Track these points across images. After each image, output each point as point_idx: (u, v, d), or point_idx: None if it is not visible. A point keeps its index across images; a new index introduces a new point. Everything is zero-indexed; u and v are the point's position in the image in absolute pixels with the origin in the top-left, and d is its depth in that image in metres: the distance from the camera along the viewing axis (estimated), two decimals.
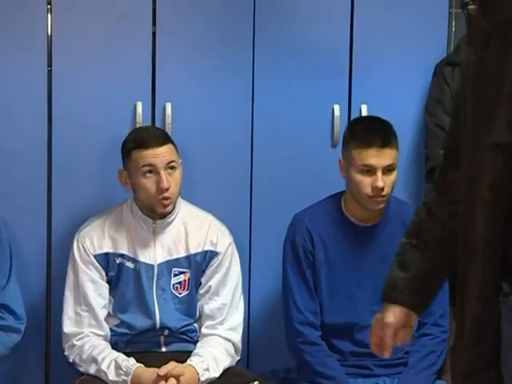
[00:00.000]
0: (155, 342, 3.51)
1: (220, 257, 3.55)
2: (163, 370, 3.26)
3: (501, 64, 2.20)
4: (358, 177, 3.44)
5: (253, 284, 3.90)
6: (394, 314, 2.53)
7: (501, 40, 2.20)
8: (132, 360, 3.31)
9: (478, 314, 2.27)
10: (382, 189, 3.41)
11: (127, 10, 3.77)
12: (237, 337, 3.54)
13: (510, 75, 2.20)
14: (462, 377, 2.33)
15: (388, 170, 3.41)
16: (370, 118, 3.75)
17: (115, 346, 3.41)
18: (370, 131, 3.50)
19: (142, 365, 3.31)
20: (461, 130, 2.34)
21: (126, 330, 3.47)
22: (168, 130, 3.69)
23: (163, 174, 3.40)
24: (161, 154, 3.43)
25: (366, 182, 3.42)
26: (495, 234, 2.25)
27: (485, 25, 2.22)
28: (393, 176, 3.43)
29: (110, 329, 3.44)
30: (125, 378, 3.28)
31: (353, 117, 3.87)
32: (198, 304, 3.55)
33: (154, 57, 3.78)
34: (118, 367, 3.30)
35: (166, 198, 3.45)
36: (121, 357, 3.33)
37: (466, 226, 2.29)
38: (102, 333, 3.40)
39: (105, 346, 3.37)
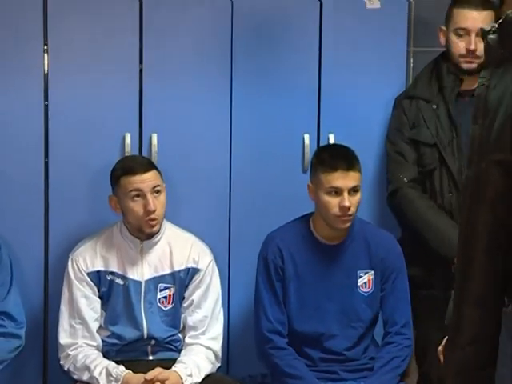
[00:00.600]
0: (143, 351, 3.50)
1: (201, 273, 3.54)
2: (150, 375, 3.28)
3: (503, 88, 2.27)
4: (327, 198, 3.44)
5: (232, 297, 3.87)
6: None
7: (505, 68, 2.27)
8: (121, 367, 3.31)
9: (475, 318, 2.30)
10: (349, 208, 3.41)
11: (117, 49, 3.77)
12: (217, 346, 3.54)
13: None
14: (454, 373, 2.35)
15: (353, 191, 3.41)
16: (334, 146, 3.76)
17: (106, 355, 3.40)
18: (335, 157, 3.49)
19: (130, 371, 3.31)
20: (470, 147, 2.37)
21: (116, 341, 3.45)
22: (154, 158, 3.70)
23: (149, 197, 3.40)
24: (147, 180, 3.43)
25: (333, 202, 3.41)
26: (494, 249, 2.28)
27: (498, 54, 2.28)
28: (357, 196, 3.44)
29: (102, 340, 3.43)
30: (115, 383, 3.32)
31: (321, 144, 3.83)
32: (182, 316, 3.55)
33: (141, 92, 3.78)
34: (108, 374, 3.30)
35: (153, 219, 3.43)
36: (111, 365, 3.32)
37: (465, 240, 2.31)
38: (95, 343, 3.40)
39: (97, 355, 3.36)
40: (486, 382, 2.34)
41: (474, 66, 3.49)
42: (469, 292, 2.29)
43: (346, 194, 3.40)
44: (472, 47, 3.61)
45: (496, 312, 2.31)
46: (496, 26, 2.25)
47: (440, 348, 2.55)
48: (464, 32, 3.63)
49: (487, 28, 2.31)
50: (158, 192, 3.43)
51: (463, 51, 3.60)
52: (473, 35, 3.60)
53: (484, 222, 2.27)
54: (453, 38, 3.68)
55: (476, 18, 3.68)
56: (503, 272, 2.29)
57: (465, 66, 3.52)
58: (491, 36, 2.27)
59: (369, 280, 3.48)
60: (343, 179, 3.42)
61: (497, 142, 2.22)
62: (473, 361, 2.31)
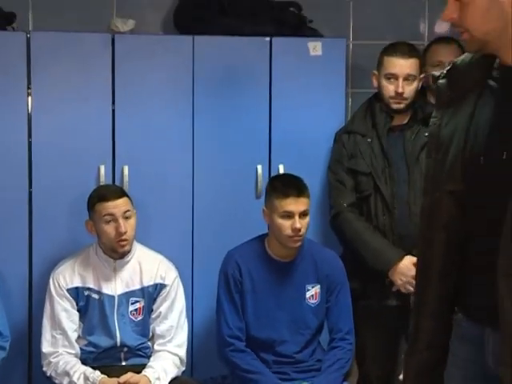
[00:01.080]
0: (116, 357, 3.49)
1: (168, 288, 3.55)
2: (122, 379, 3.28)
3: (454, 127, 2.28)
4: (280, 221, 3.45)
5: (195, 309, 3.87)
6: None
7: (455, 109, 2.29)
8: (97, 372, 3.32)
9: (430, 326, 2.34)
10: (300, 229, 3.43)
11: (92, 92, 3.78)
12: (182, 352, 3.54)
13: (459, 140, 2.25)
14: (414, 374, 2.38)
15: (303, 214, 3.43)
16: (286, 175, 3.76)
17: (84, 362, 3.40)
18: (287, 185, 3.51)
19: (105, 376, 3.31)
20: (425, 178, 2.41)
21: (92, 349, 3.45)
22: (125, 186, 3.71)
23: (121, 221, 3.41)
24: (118, 206, 3.44)
25: (286, 224, 3.43)
26: (447, 266, 2.30)
27: (446, 96, 2.32)
28: (307, 219, 3.46)
29: (80, 348, 3.42)
30: None
31: (272, 174, 3.85)
32: (151, 326, 3.55)
33: (114, 130, 3.80)
34: (86, 378, 3.30)
35: (124, 240, 3.43)
36: (88, 370, 3.33)
37: (423, 257, 2.35)
38: (74, 351, 3.40)
39: (76, 361, 3.37)
40: (438, 380, 2.38)
41: (401, 106, 3.54)
42: (426, 306, 2.33)
43: (297, 217, 3.42)
44: (400, 90, 3.65)
45: (448, 322, 2.35)
46: (445, 72, 2.31)
47: (403, 356, 2.57)
48: (393, 77, 3.66)
49: (437, 74, 2.36)
50: (128, 217, 3.45)
51: (392, 93, 3.63)
52: (400, 80, 3.64)
53: (439, 246, 2.30)
54: (383, 81, 3.71)
55: (403, 65, 3.71)
56: (455, 286, 2.32)
57: (394, 106, 3.56)
58: (441, 81, 2.33)
59: (315, 293, 3.50)
60: (295, 204, 3.44)
61: (449, 174, 2.24)
62: (429, 363, 2.35)
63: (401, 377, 2.57)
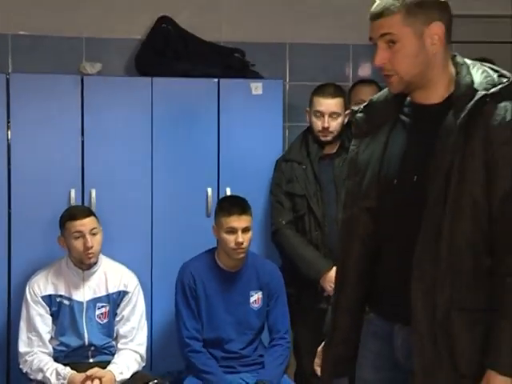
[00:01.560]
0: (85, 355, 3.49)
1: (130, 295, 3.56)
2: (90, 372, 3.31)
3: (370, 154, 2.31)
4: (225, 236, 3.49)
5: (154, 312, 3.87)
6: None
7: (371, 138, 2.32)
8: (68, 368, 3.33)
9: (345, 323, 2.36)
10: (242, 243, 3.47)
11: (64, 125, 3.78)
12: (142, 350, 3.55)
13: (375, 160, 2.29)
14: (331, 366, 2.40)
15: (245, 230, 3.47)
16: (232, 196, 3.82)
17: (56, 359, 3.41)
18: (232, 204, 3.56)
19: (75, 371, 3.33)
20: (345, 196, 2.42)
21: (64, 348, 3.46)
22: (93, 207, 3.72)
23: (88, 237, 3.42)
24: (86, 224, 3.45)
25: (230, 239, 3.46)
26: (360, 266, 2.32)
27: (363, 128, 2.37)
28: (249, 234, 3.49)
29: (53, 348, 3.44)
30: (63, 381, 3.30)
31: (220, 195, 3.90)
32: (115, 328, 3.56)
33: (83, 158, 3.81)
34: (57, 374, 3.32)
35: (90, 253, 3.45)
36: (60, 367, 3.35)
37: (341, 263, 2.35)
38: (47, 351, 3.41)
39: (48, 359, 3.39)
40: (351, 370, 2.40)
41: (328, 138, 3.60)
42: (341, 304, 2.35)
43: (240, 232, 3.46)
44: (325, 125, 3.70)
45: (360, 320, 2.37)
46: (362, 107, 2.37)
47: (319, 348, 2.54)
48: (320, 114, 3.71)
49: (355, 109, 2.41)
50: (94, 233, 3.47)
51: (320, 128, 3.68)
52: (326, 116, 3.70)
53: (355, 253, 2.32)
54: (313, 117, 3.76)
55: (329, 104, 3.76)
56: (367, 289, 2.35)
57: (322, 138, 3.63)
58: (358, 115, 2.37)
59: (258, 298, 3.54)
60: (237, 221, 3.49)
61: (366, 194, 2.27)
62: (343, 355, 2.37)
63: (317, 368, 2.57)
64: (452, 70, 2.17)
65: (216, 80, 3.98)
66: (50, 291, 3.48)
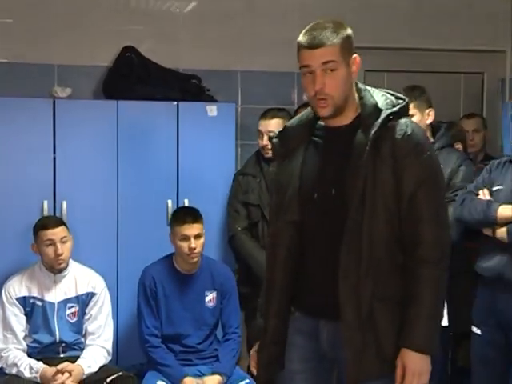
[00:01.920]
0: (56, 351, 3.50)
1: (97, 296, 3.59)
2: (60, 367, 3.33)
3: (289, 173, 2.34)
4: (180, 243, 3.54)
5: (119, 311, 3.87)
6: None
7: (289, 160, 2.35)
8: (40, 363, 3.36)
9: (275, 324, 2.37)
10: (195, 248, 3.51)
11: (37, 144, 3.79)
12: (109, 345, 3.58)
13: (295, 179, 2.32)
14: (264, 364, 2.41)
15: (197, 237, 3.51)
16: (184, 207, 3.85)
17: (30, 355, 3.42)
18: (184, 214, 3.61)
19: (47, 366, 3.36)
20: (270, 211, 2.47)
21: (37, 345, 3.47)
22: (64, 217, 3.72)
23: (58, 245, 3.44)
24: (56, 233, 3.47)
25: (184, 245, 3.51)
26: (287, 274, 2.34)
27: (280, 151, 2.40)
28: (201, 240, 3.52)
29: (27, 345, 3.45)
30: (35, 374, 3.33)
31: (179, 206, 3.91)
32: (84, 326, 3.57)
33: (55, 173, 3.82)
34: (31, 368, 3.35)
35: (61, 259, 3.47)
36: (33, 361, 3.37)
37: (270, 271, 2.38)
38: (21, 347, 3.42)
39: (22, 355, 3.40)
40: (282, 366, 2.40)
41: (269, 154, 3.57)
42: (271, 307, 2.37)
43: (192, 239, 3.50)
44: (264, 143, 3.80)
45: (287, 319, 2.39)
46: (277, 133, 2.42)
47: (252, 352, 2.56)
48: (260, 133, 3.84)
49: (271, 135, 2.48)
50: (65, 241, 3.48)
51: (261, 145, 3.84)
52: (265, 135, 3.80)
53: (282, 261, 2.34)
54: (258, 137, 3.90)
55: (267, 124, 3.88)
56: (292, 291, 2.37)
57: (265, 155, 3.73)
58: (274, 140, 2.42)
59: (213, 298, 3.59)
60: (190, 229, 3.53)
61: (289, 209, 2.31)
62: (275, 354, 2.38)
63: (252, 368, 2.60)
64: (356, 95, 2.28)
65: (175, 103, 4.01)
66: (24, 293, 3.49)
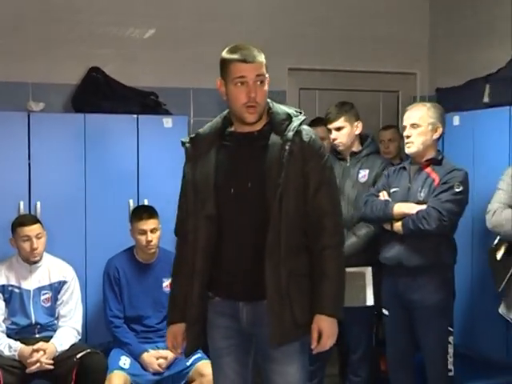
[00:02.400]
0: (32, 332, 3.53)
1: (68, 283, 3.63)
2: (36, 346, 3.38)
3: (204, 173, 2.36)
4: (139, 236, 3.59)
5: (88, 296, 3.89)
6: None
7: (202, 162, 2.38)
8: (18, 343, 3.40)
9: (197, 307, 2.41)
10: (151, 241, 3.56)
11: (14, 151, 3.80)
12: (79, 326, 3.61)
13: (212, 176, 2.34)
14: (190, 343, 2.46)
15: (153, 231, 3.57)
16: (141, 205, 3.85)
17: (9, 336, 3.45)
18: (141, 211, 3.67)
19: (24, 345, 3.39)
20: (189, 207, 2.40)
21: (15, 327, 3.50)
22: (38, 215, 3.73)
23: (34, 240, 3.49)
24: (32, 230, 3.50)
25: (142, 238, 3.55)
26: (206, 265, 2.38)
27: (193, 154, 2.42)
28: (157, 234, 3.58)
29: (6, 327, 3.47)
30: (14, 353, 3.37)
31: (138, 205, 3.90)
32: (56, 310, 3.60)
33: (30, 177, 3.83)
34: (10, 347, 3.39)
35: (36, 253, 3.51)
36: (12, 341, 3.41)
37: (192, 259, 2.39)
38: (1, 329, 3.44)
39: (2, 336, 3.42)
40: (204, 342, 2.49)
41: None
42: (194, 292, 2.38)
43: (148, 233, 3.57)
44: None
45: (206, 302, 2.44)
46: (189, 138, 2.45)
47: (169, 333, 2.55)
48: None
49: (183, 140, 2.47)
50: (39, 237, 3.52)
51: None
52: None
53: (201, 251, 2.36)
54: None
55: None
56: (209, 275, 2.40)
57: None
58: (187, 144, 2.45)
59: (169, 283, 2.83)
60: (146, 224, 3.59)
61: (205, 205, 2.34)
62: (198, 332, 2.44)
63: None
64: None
65: (135, 116, 4.03)
66: (3, 282, 3.52)
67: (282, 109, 2.42)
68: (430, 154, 3.35)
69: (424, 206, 3.24)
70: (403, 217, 3.28)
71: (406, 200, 3.33)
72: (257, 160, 2.36)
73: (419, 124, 3.31)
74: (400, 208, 3.29)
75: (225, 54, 2.35)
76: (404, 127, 3.39)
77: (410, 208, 3.27)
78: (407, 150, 3.38)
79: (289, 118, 2.38)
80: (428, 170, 3.34)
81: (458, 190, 3.22)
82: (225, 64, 2.33)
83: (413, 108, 3.39)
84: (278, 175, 2.31)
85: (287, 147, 2.32)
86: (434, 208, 3.19)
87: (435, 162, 3.34)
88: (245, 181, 2.35)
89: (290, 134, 2.33)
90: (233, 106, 2.36)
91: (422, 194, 3.30)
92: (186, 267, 2.44)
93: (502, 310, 3.27)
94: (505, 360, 3.78)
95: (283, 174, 2.31)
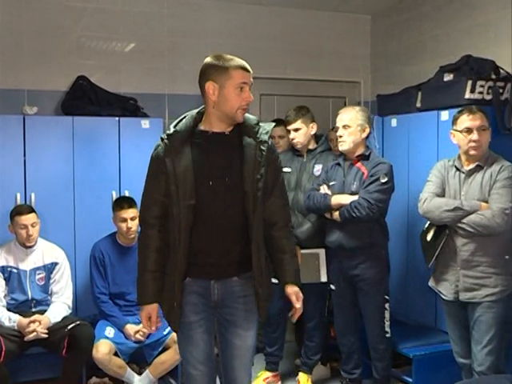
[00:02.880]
0: (29, 306, 3.56)
1: (59, 264, 3.66)
2: (32, 318, 3.43)
3: (183, 167, 2.31)
4: (120, 224, 3.62)
5: (77, 275, 3.89)
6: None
7: (179, 157, 2.30)
8: (17, 315, 3.44)
9: (180, 288, 2.38)
10: (131, 228, 3.54)
11: (11, 150, 3.77)
12: (69, 301, 3.64)
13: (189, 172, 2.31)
14: (178, 320, 2.42)
15: (133, 218, 3.54)
16: (123, 196, 3.85)
17: (9, 310, 3.47)
18: (122, 201, 3.66)
19: (22, 317, 3.43)
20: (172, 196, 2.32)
21: (14, 302, 3.53)
22: (33, 205, 3.72)
23: (30, 228, 3.53)
24: (28, 219, 3.53)
25: (123, 225, 3.59)
26: (186, 249, 2.35)
27: (171, 149, 2.33)
28: (136, 221, 3.44)
29: (6, 302, 3.51)
30: (13, 324, 3.40)
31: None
32: (50, 287, 3.62)
33: (25, 172, 3.80)
34: (10, 319, 3.42)
35: (31, 239, 3.55)
36: (11, 314, 3.45)
37: (174, 244, 2.36)
38: (2, 304, 3.48)
39: (3, 309, 3.45)
40: (179, 317, 2.43)
41: None
42: (176, 270, 2.35)
43: (128, 220, 3.60)
44: None
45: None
46: (166, 136, 2.37)
47: (143, 314, 2.49)
48: None
49: (163, 136, 2.39)
50: (34, 225, 3.56)
51: None
52: None
53: (183, 234, 2.33)
54: None
55: None
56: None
57: None
58: (166, 140, 2.37)
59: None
60: (126, 213, 3.61)
61: (186, 195, 2.32)
62: (177, 308, 2.39)
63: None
64: None
65: (117, 118, 4.02)
66: (3, 263, 3.56)
67: (248, 115, 2.42)
68: (360, 151, 3.45)
69: (356, 197, 3.34)
70: (340, 207, 3.38)
71: (342, 192, 3.43)
72: (234, 157, 2.36)
73: (350, 125, 3.40)
74: (336, 199, 3.40)
75: (221, 62, 2.29)
76: (337, 128, 3.46)
77: (345, 199, 3.37)
78: (340, 148, 3.46)
79: (257, 123, 2.42)
80: (358, 164, 3.44)
81: (383, 181, 3.32)
82: (226, 70, 2.27)
83: (344, 111, 3.48)
84: (255, 171, 2.33)
85: (263, 147, 2.36)
86: (364, 198, 3.30)
87: (364, 157, 3.44)
88: (222, 175, 2.35)
89: (265, 136, 2.38)
90: (226, 107, 2.31)
91: (354, 186, 3.39)
92: (159, 252, 2.40)
93: (431, 283, 3.33)
94: (433, 325, 3.85)
95: (261, 171, 2.34)
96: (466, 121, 3.04)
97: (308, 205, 3.53)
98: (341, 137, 3.45)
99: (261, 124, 2.43)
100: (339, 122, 3.47)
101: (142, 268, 2.44)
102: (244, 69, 2.31)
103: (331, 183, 3.51)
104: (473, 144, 3.03)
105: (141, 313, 2.49)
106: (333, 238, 3.50)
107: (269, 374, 3.97)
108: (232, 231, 2.38)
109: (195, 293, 2.45)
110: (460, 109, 3.16)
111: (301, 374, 3.92)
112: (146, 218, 2.45)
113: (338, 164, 3.54)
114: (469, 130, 3.04)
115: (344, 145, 3.44)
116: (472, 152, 3.05)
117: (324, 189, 3.50)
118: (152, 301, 2.45)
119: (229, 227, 2.38)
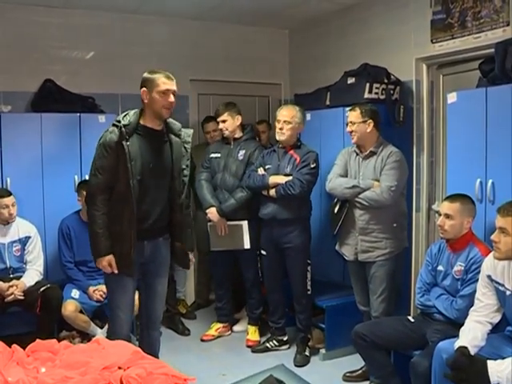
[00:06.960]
0: (7, 273, 3.66)
1: (32, 238, 3.76)
2: (11, 283, 3.53)
3: (135, 151, 2.51)
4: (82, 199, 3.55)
5: (47, 247, 3.95)
6: None
7: (130, 143, 2.53)
8: None
9: (133, 242, 2.61)
10: None
11: None
12: (41, 268, 3.75)
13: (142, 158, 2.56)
14: (133, 267, 2.64)
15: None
16: (84, 180, 3.73)
17: None
18: (83, 185, 3.49)
19: (2, 282, 3.53)
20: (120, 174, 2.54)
21: None
22: (9, 188, 3.80)
23: (10, 207, 3.64)
24: (9, 200, 3.65)
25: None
26: (134, 220, 2.61)
27: (126, 136, 2.50)
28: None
29: None
30: None
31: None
32: (24, 257, 3.73)
33: (2, 160, 3.84)
34: None
35: (12, 216, 3.64)
36: None
37: (131, 210, 2.56)
38: None
39: None
40: (130, 267, 2.67)
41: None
42: (133, 232, 2.58)
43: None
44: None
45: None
46: (122, 125, 2.54)
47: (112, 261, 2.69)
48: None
49: (118, 125, 2.58)
50: (13, 205, 3.67)
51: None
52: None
53: (133, 203, 2.53)
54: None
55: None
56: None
57: None
58: (123, 129, 2.57)
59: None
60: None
61: (136, 173, 2.54)
62: (132, 262, 2.63)
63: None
64: None
65: (78, 114, 4.09)
66: None
67: (174, 121, 2.73)
68: (293, 141, 3.73)
69: (290, 178, 3.55)
70: (276, 185, 3.58)
71: (276, 173, 3.63)
72: (165, 150, 2.72)
73: (290, 121, 3.66)
74: (274, 179, 3.61)
75: (152, 74, 2.58)
76: (279, 121, 3.67)
77: (281, 179, 3.56)
78: (278, 138, 3.69)
79: (180, 129, 2.78)
80: (291, 152, 3.72)
81: (312, 166, 3.61)
82: (153, 80, 2.57)
83: (287, 108, 3.70)
84: (181, 162, 2.75)
85: (187, 146, 2.78)
86: (298, 179, 3.57)
87: (296, 146, 3.72)
88: (159, 161, 2.69)
89: (188, 138, 2.78)
90: (154, 107, 2.60)
91: (288, 169, 3.60)
92: (104, 220, 2.62)
93: (337, 247, 3.52)
94: (342, 282, 4.09)
95: (186, 162, 2.75)
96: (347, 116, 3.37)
97: (248, 184, 3.73)
98: (281, 129, 3.66)
99: (182, 129, 2.79)
100: (281, 117, 3.66)
101: (94, 232, 2.68)
102: (168, 78, 2.58)
103: (267, 166, 3.73)
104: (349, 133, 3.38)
105: (102, 263, 2.71)
106: (267, 211, 3.70)
107: (220, 325, 4.20)
108: (162, 203, 2.70)
109: (139, 252, 2.72)
110: (349, 108, 3.46)
111: (249, 326, 4.14)
112: (94, 194, 2.69)
113: (274, 151, 3.77)
114: (350, 123, 3.37)
115: (282, 136, 3.67)
116: (352, 140, 3.38)
117: (261, 171, 3.73)
118: (110, 252, 2.70)
119: (160, 201, 2.70)
